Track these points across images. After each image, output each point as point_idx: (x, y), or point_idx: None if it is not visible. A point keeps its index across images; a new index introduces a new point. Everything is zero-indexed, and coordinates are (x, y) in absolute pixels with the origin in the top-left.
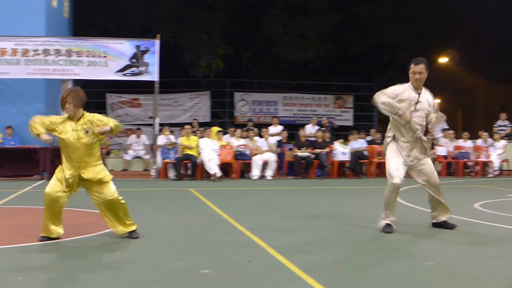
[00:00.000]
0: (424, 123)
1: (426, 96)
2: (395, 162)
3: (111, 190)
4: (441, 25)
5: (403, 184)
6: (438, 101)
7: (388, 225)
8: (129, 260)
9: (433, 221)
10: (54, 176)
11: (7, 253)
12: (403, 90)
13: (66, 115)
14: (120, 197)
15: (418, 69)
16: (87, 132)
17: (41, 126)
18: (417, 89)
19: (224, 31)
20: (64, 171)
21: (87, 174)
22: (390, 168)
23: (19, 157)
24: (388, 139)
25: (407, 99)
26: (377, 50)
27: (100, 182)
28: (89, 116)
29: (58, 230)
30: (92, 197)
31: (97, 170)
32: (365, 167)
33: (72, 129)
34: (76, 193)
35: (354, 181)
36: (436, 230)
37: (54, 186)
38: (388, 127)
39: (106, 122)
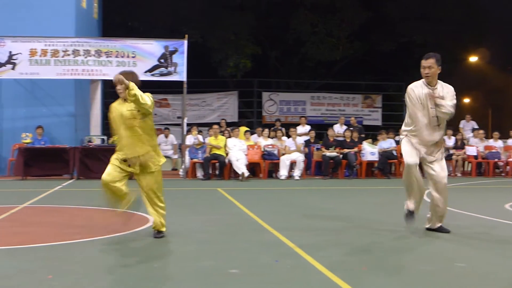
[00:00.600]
0: (440, 123)
1: (443, 91)
2: (408, 148)
3: (157, 180)
4: (471, 23)
5: (416, 164)
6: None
7: (409, 213)
8: (158, 259)
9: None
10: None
11: (36, 251)
12: (413, 87)
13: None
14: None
15: (427, 64)
16: (138, 111)
17: None
18: (430, 85)
19: (252, 31)
20: (117, 154)
21: (142, 153)
22: (404, 154)
23: (49, 156)
24: (402, 136)
25: (417, 96)
26: (406, 49)
27: (148, 172)
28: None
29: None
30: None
31: (151, 155)
32: (394, 167)
33: (126, 109)
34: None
35: (382, 181)
36: (465, 231)
37: (107, 172)
38: (405, 122)
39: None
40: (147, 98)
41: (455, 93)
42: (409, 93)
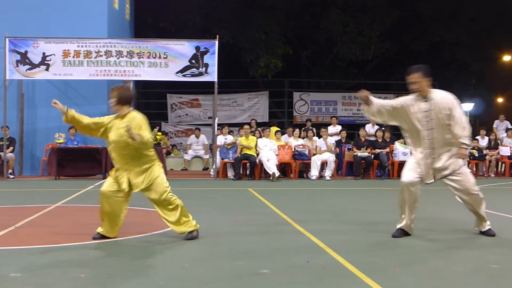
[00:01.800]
0: (439, 137)
1: (439, 101)
2: (408, 164)
3: (158, 191)
4: (504, 22)
5: (413, 184)
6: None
7: (398, 230)
8: (189, 259)
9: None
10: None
11: (69, 250)
12: (411, 102)
13: (115, 114)
14: (173, 197)
15: (412, 79)
16: (128, 130)
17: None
18: (423, 97)
19: (283, 31)
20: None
21: (133, 178)
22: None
23: (82, 156)
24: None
25: (418, 112)
26: (439, 48)
27: (147, 189)
28: (134, 115)
29: (109, 232)
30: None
31: (142, 178)
32: None
33: (117, 128)
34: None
35: None
36: (499, 232)
37: (108, 185)
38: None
39: (137, 124)
40: (147, 137)
41: (454, 103)
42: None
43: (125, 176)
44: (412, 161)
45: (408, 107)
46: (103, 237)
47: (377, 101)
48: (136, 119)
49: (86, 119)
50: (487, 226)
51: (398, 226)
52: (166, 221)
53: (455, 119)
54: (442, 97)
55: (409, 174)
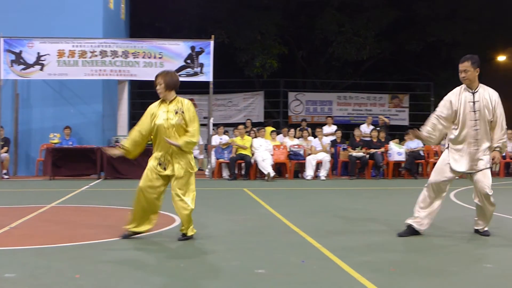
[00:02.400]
0: (483, 128)
1: (485, 95)
2: (438, 164)
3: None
4: (501, 23)
5: (438, 183)
6: None
7: (407, 227)
8: (184, 259)
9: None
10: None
11: (64, 251)
12: (458, 92)
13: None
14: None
15: (462, 67)
16: (176, 112)
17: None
18: (471, 89)
19: (279, 31)
20: (154, 157)
21: (175, 162)
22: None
23: (77, 156)
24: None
25: (464, 101)
26: (435, 48)
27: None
28: (183, 100)
29: (142, 227)
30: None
31: (184, 163)
32: (421, 167)
33: (163, 111)
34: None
35: (410, 182)
36: (494, 232)
37: (143, 179)
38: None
39: (192, 116)
40: (196, 137)
41: (498, 101)
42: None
43: (168, 159)
44: (444, 159)
45: (455, 101)
46: (134, 233)
47: (427, 130)
48: (189, 103)
49: (138, 137)
50: (486, 227)
51: (408, 221)
52: (182, 209)
53: (496, 118)
54: (488, 92)
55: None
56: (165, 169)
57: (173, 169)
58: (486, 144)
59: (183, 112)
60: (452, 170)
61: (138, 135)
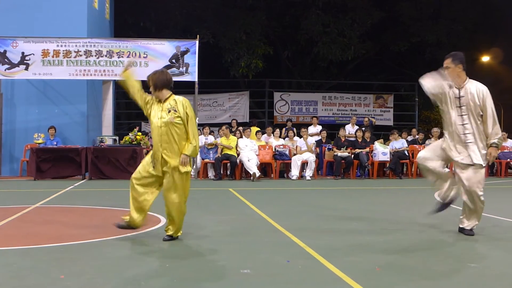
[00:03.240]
0: (473, 123)
1: (472, 90)
2: (430, 146)
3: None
4: (484, 23)
5: (427, 159)
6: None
7: (439, 205)
8: (171, 259)
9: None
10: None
11: (48, 251)
12: (449, 86)
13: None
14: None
15: (444, 65)
16: (169, 111)
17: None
18: (457, 84)
19: (264, 31)
20: (150, 153)
21: (169, 158)
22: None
23: (61, 157)
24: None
25: (451, 97)
26: (419, 48)
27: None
28: (177, 98)
29: (137, 220)
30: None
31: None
32: (406, 167)
33: (158, 110)
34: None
35: (394, 182)
36: (479, 231)
37: (137, 171)
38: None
39: (187, 113)
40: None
41: (487, 95)
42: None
43: (160, 157)
44: (437, 144)
45: (447, 92)
46: (128, 226)
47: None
48: (183, 106)
49: (138, 83)
50: (471, 226)
51: (437, 198)
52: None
53: (485, 112)
54: (476, 86)
55: (423, 152)
56: (154, 167)
57: (161, 170)
58: (478, 139)
59: (175, 110)
60: (445, 153)
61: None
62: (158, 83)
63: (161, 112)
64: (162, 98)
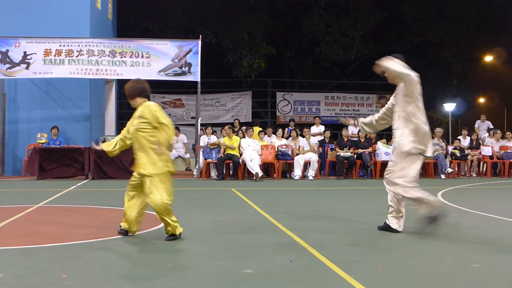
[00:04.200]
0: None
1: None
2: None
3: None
4: (486, 23)
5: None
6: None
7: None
8: (172, 259)
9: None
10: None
11: (51, 251)
12: None
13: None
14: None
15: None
16: (139, 117)
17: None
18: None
19: (266, 31)
20: None
21: (140, 166)
22: None
23: (64, 156)
24: None
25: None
26: (421, 48)
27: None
28: (147, 104)
29: (126, 226)
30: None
31: (146, 164)
32: None
33: (132, 119)
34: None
35: None
36: (481, 232)
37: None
38: None
39: (154, 115)
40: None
41: None
42: None
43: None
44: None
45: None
46: (126, 232)
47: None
48: (148, 112)
49: (120, 140)
50: (395, 224)
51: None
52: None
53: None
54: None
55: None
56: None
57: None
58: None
59: (141, 116)
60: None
61: (120, 143)
62: (130, 92)
63: (133, 120)
64: (135, 106)
